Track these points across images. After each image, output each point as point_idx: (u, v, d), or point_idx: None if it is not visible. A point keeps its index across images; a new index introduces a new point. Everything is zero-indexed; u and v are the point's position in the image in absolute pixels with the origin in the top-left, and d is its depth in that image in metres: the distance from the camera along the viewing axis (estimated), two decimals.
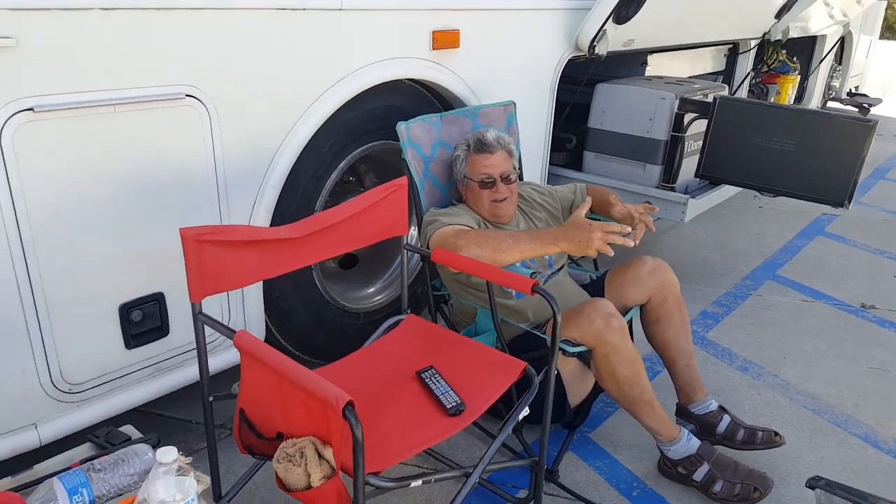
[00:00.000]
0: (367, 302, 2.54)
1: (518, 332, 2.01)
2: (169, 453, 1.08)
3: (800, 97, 5.72)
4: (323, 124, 2.04)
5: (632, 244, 1.81)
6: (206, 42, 1.70)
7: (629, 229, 1.83)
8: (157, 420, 2.14)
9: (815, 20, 4.70)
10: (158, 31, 1.61)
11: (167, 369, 1.88)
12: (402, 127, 2.10)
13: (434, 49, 2.30)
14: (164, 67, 1.64)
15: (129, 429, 1.46)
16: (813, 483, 1.62)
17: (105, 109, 1.56)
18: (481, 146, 2.09)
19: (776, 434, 2.04)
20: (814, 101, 5.90)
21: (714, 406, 2.11)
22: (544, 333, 1.94)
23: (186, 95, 1.70)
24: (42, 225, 1.53)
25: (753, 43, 4.51)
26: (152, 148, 1.67)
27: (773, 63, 5.17)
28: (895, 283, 3.50)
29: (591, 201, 2.27)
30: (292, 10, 1.85)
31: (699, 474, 1.91)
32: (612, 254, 1.80)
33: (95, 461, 1.26)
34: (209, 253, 1.40)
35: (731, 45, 4.55)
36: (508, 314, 2.03)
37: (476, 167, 2.08)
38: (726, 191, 3.37)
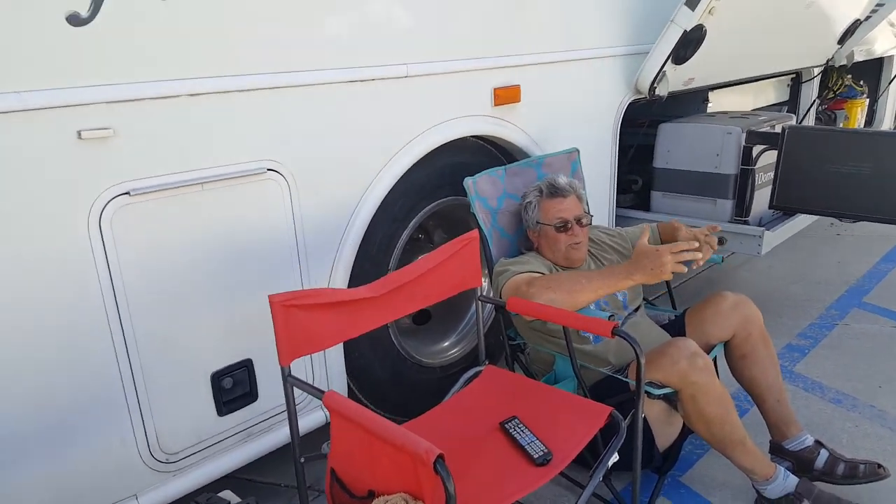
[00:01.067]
0: (443, 356, 2.56)
1: (599, 378, 1.99)
2: None
3: (870, 121, 5.53)
4: (394, 185, 2.12)
5: (700, 256, 1.79)
6: (284, 118, 1.81)
7: (696, 244, 1.81)
8: (248, 485, 2.19)
9: (881, 42, 4.59)
10: (240, 112, 1.72)
11: (257, 434, 1.93)
12: (469, 182, 2.16)
13: (496, 105, 2.38)
14: (247, 145, 1.75)
15: (227, 494, 1.51)
16: None
17: (194, 188, 1.67)
18: (554, 191, 2.12)
19: (880, 466, 1.93)
20: (885, 124, 5.70)
21: (810, 441, 2.03)
22: (626, 377, 1.92)
23: (268, 170, 1.80)
24: (138, 301, 1.62)
25: (817, 71, 4.43)
26: (237, 220, 1.77)
27: (838, 89, 5.03)
28: None
29: (658, 232, 2.27)
30: (362, 81, 1.96)
31: None
32: (686, 270, 1.79)
33: None
34: (296, 317, 1.46)
35: (793, 75, 4.48)
36: (588, 360, 2.02)
37: (550, 212, 2.10)
38: (802, 220, 3.29)
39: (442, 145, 2.24)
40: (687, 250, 1.76)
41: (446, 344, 2.63)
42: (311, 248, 1.95)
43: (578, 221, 2.10)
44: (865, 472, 1.93)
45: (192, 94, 1.62)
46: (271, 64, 1.75)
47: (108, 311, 1.58)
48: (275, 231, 1.85)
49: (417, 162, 2.18)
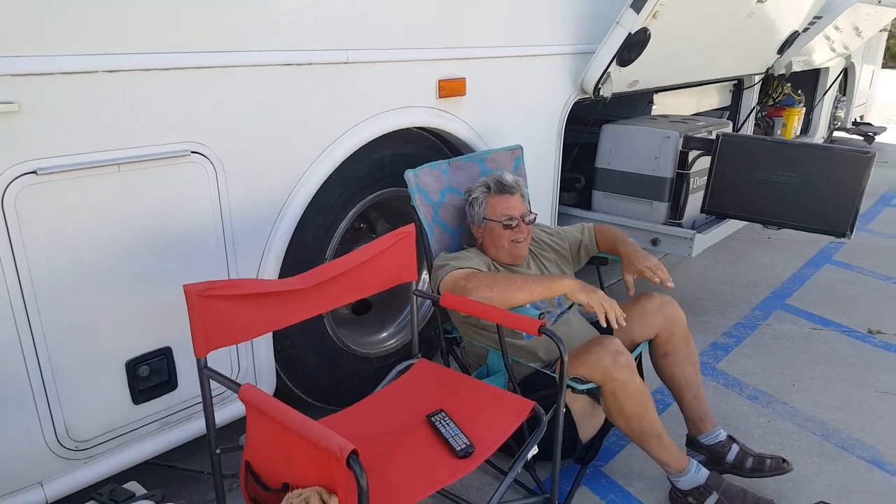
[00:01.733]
0: (381, 347, 2.56)
1: (530, 372, 2.05)
2: None
3: (805, 129, 5.77)
4: (331, 175, 2.10)
5: (623, 325, 1.86)
6: (211, 99, 1.74)
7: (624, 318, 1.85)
8: (170, 472, 2.16)
9: (818, 54, 4.78)
10: (163, 91, 1.65)
11: (176, 423, 1.89)
12: (409, 174, 2.17)
13: (440, 97, 2.38)
14: (169, 126, 1.68)
15: (133, 485, 1.47)
16: None
17: (110, 169, 1.59)
18: (502, 188, 2.15)
19: (784, 461, 2.05)
20: (819, 132, 5.94)
21: (723, 436, 2.13)
22: (554, 372, 1.98)
23: (192, 152, 1.73)
24: (46, 286, 1.55)
25: (757, 78, 4.58)
26: (158, 205, 1.70)
27: (778, 96, 5.25)
28: None
29: (594, 234, 2.35)
30: (298, 65, 1.91)
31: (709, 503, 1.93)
32: (604, 324, 1.86)
33: None
34: (214, 308, 1.42)
35: (736, 81, 4.62)
36: (520, 354, 2.07)
37: (498, 209, 2.13)
38: (732, 225, 3.41)
39: (384, 135, 2.23)
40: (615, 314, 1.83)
41: (385, 335, 2.63)
42: (239, 236, 1.90)
43: (523, 219, 2.15)
44: (771, 466, 2.05)
45: (109, 71, 1.55)
46: (198, 43, 1.68)
47: (12, 296, 1.50)
48: (199, 217, 1.79)
49: (357, 151, 2.16)
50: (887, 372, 2.85)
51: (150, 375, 1.79)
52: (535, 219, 2.21)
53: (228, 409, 2.00)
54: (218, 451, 1.53)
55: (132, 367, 1.75)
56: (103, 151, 1.58)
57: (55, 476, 1.67)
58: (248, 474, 1.41)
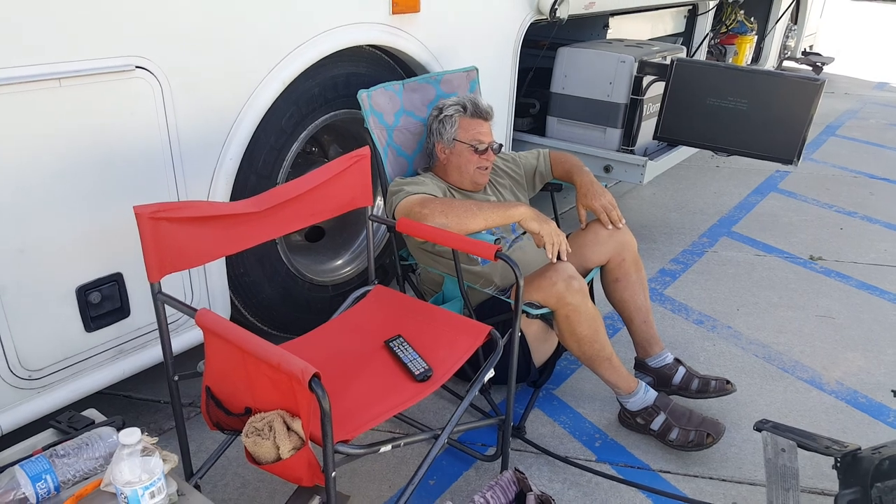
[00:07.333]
0: (336, 274, 2.53)
1: (484, 298, 2.06)
2: (131, 435, 1.07)
3: (756, 57, 5.80)
4: (281, 94, 2.01)
5: (562, 260, 1.90)
6: (155, 11, 1.64)
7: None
8: (126, 402, 2.13)
9: None
10: (106, 2, 1.55)
11: (130, 351, 1.85)
12: (363, 95, 2.09)
13: (394, 13, 2.28)
14: (112, 38, 1.58)
15: (92, 412, 1.44)
16: (760, 426, 1.72)
17: (50, 84, 1.50)
18: (478, 111, 2.12)
19: (728, 382, 2.14)
20: (770, 61, 5.99)
21: (670, 359, 2.20)
22: (509, 298, 1.99)
23: (136, 67, 1.64)
24: None
25: (712, 4, 4.55)
26: (102, 123, 1.61)
27: (731, 24, 5.23)
28: (841, 235, 3.65)
29: (549, 161, 2.34)
30: None
31: (656, 423, 2.01)
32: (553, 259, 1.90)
33: (58, 447, 1.24)
34: (166, 230, 1.37)
35: (690, 7, 4.58)
36: (475, 280, 2.07)
37: (470, 131, 2.10)
38: (683, 152, 3.44)
39: (336, 54, 2.14)
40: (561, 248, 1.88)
41: (340, 262, 2.60)
42: (188, 156, 1.82)
43: (491, 147, 2.12)
44: (715, 388, 2.14)
45: None
46: None
47: None
48: (146, 136, 1.71)
49: (308, 69, 2.07)
50: (826, 296, 2.99)
51: (101, 302, 1.74)
52: (500, 149, 2.18)
53: (182, 338, 1.96)
54: (176, 377, 1.50)
55: (82, 293, 1.69)
56: (43, 65, 1.48)
57: (9, 406, 1.63)
58: (210, 399, 1.39)
